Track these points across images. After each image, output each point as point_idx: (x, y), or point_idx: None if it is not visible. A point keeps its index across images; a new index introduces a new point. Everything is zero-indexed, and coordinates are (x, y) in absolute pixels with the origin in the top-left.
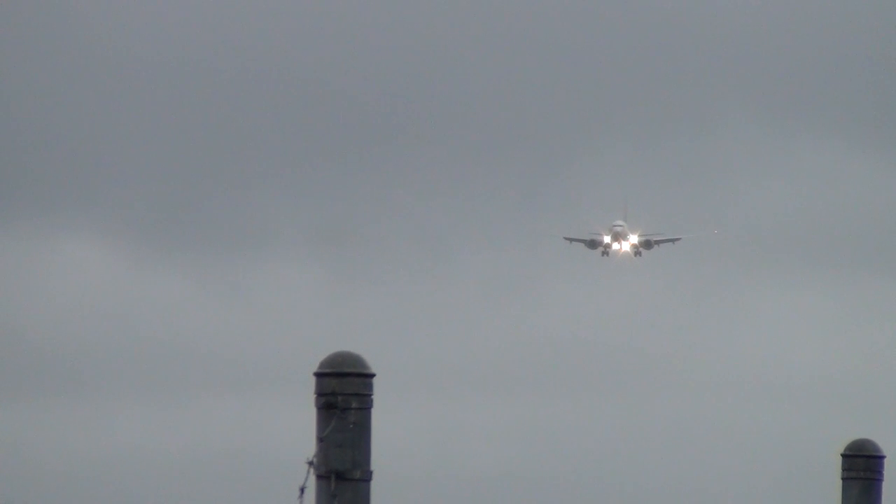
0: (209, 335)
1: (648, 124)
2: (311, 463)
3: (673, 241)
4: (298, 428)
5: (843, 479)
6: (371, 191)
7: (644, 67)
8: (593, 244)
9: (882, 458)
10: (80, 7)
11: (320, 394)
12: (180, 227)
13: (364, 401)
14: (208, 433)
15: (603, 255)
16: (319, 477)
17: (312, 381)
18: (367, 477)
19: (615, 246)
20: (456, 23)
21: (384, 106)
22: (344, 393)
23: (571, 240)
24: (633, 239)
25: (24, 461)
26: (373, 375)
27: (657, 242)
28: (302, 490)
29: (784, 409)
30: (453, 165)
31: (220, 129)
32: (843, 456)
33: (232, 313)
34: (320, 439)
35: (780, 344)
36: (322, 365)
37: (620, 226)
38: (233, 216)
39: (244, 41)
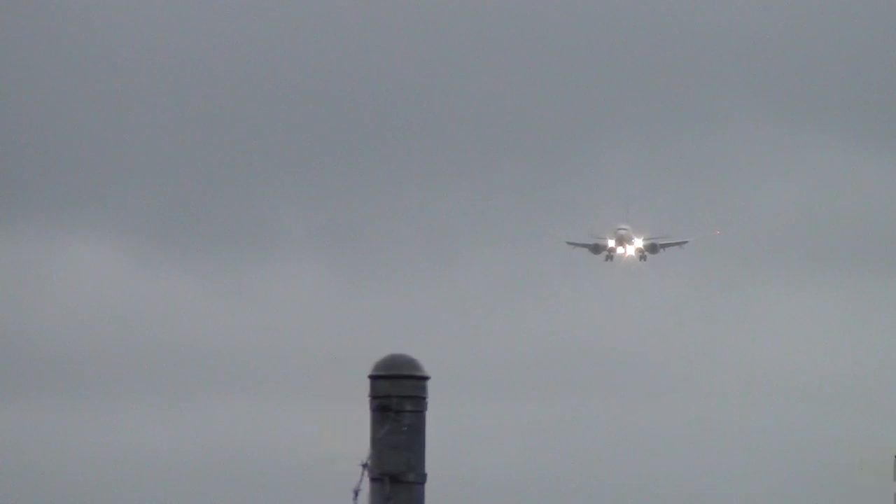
0: (219, 336)
1: (653, 127)
2: (365, 465)
3: (680, 244)
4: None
5: None
6: (375, 193)
7: (649, 70)
8: (597, 248)
9: None
10: (87, 9)
11: (374, 396)
12: (189, 227)
13: (418, 403)
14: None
15: (607, 259)
16: (373, 479)
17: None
18: (421, 479)
19: (619, 250)
20: (462, 27)
21: (390, 109)
22: (398, 395)
23: (574, 244)
24: (638, 243)
25: (38, 462)
26: (427, 378)
27: (663, 246)
28: (356, 493)
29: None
30: (458, 169)
31: (227, 130)
32: None
33: (240, 314)
34: (376, 440)
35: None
36: (376, 367)
37: (625, 229)
38: (241, 217)
39: (250, 43)
